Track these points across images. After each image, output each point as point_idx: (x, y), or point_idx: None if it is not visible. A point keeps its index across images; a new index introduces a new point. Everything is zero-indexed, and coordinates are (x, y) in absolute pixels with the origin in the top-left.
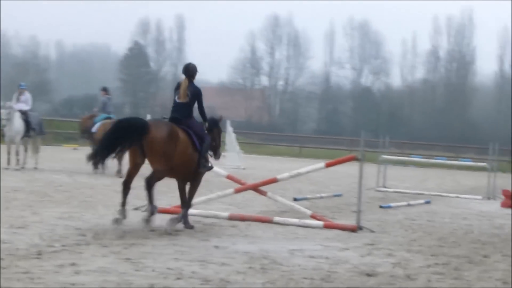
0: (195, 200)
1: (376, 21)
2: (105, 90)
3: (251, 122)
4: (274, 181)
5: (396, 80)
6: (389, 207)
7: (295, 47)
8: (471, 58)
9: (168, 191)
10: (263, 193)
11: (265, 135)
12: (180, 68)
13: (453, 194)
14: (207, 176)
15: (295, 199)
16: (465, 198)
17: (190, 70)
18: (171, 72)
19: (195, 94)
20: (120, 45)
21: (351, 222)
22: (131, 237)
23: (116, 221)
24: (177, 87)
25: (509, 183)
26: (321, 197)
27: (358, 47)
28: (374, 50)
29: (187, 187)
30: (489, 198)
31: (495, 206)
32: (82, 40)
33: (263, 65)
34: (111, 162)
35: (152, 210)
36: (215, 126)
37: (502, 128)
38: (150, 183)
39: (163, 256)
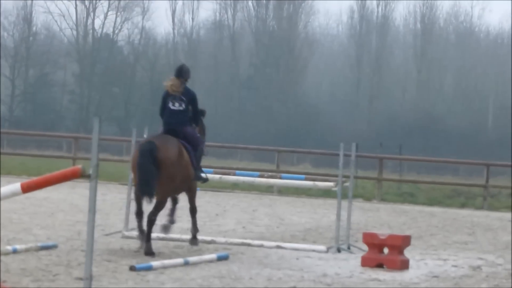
0: None
1: None
2: None
3: None
4: None
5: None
6: (150, 268)
7: None
8: None
9: None
10: None
11: None
12: None
13: (272, 242)
14: None
15: None
16: (295, 249)
17: (184, 72)
18: None
19: (192, 98)
20: None
21: None
22: None
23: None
24: (167, 92)
25: (379, 220)
26: (15, 251)
27: None
28: None
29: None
30: (339, 250)
31: (351, 264)
32: None
33: None
34: None
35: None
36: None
37: (363, 115)
38: (154, 219)
39: None
